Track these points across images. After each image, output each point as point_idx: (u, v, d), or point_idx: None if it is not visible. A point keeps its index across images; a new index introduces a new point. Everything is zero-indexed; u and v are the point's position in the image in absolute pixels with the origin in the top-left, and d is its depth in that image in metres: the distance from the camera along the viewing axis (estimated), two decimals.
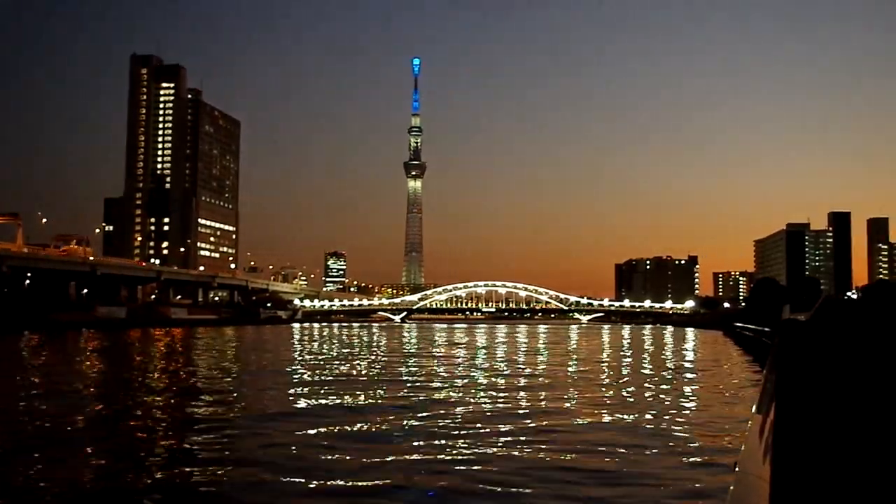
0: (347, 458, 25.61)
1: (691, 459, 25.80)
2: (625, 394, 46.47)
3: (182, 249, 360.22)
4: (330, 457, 25.83)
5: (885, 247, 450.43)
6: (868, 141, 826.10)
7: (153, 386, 52.42)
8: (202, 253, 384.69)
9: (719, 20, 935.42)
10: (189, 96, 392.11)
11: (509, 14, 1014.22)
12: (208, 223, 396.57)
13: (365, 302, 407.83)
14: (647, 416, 35.83)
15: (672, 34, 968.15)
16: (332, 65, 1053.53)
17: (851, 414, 6.94)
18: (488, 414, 35.42)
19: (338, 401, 41.54)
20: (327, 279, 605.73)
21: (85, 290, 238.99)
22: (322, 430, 31.24)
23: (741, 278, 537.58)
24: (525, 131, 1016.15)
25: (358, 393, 45.98)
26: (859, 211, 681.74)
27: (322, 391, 46.88)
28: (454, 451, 26.47)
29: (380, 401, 42.25)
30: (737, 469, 5.69)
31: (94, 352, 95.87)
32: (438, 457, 25.70)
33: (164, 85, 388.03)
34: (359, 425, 32.72)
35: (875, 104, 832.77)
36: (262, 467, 24.00)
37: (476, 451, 26.20)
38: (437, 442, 28.48)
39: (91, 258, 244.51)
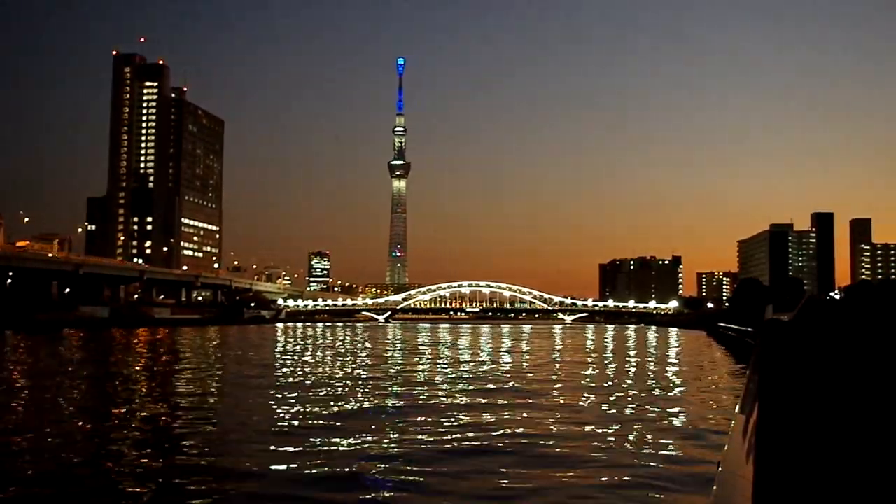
0: (325, 467, 25.53)
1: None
2: (608, 399, 46.22)
3: (165, 249, 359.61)
4: (308, 465, 25.78)
5: (868, 247, 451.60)
6: (851, 142, 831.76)
7: (133, 390, 52.11)
8: (185, 252, 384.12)
9: (701, 23, 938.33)
10: (173, 95, 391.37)
11: (494, 15, 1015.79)
12: (192, 222, 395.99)
13: (349, 302, 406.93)
14: (628, 425, 35.43)
15: (655, 36, 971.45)
16: (317, 64, 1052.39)
17: (835, 414, 6.97)
18: (470, 425, 34.53)
19: (321, 407, 40.84)
20: (311, 279, 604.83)
21: (67, 290, 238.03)
22: (302, 438, 30.77)
23: (724, 279, 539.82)
24: (510, 132, 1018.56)
25: (341, 398, 45.67)
26: (842, 212, 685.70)
27: (304, 396, 46.42)
28: (434, 463, 26.12)
29: (362, 406, 41.85)
30: (720, 469, 5.72)
31: (75, 352, 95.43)
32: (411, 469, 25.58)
33: (148, 84, 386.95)
34: (340, 432, 32.65)
35: (858, 105, 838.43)
36: (238, 478, 23.84)
37: (461, 469, 25.15)
38: (414, 455, 27.91)
39: (73, 257, 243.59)
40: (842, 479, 4.70)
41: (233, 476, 23.46)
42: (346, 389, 49.48)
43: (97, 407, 41.02)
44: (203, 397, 45.61)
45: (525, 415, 37.28)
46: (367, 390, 49.04)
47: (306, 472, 23.95)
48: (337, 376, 60.01)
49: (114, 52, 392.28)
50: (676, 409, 40.58)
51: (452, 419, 35.11)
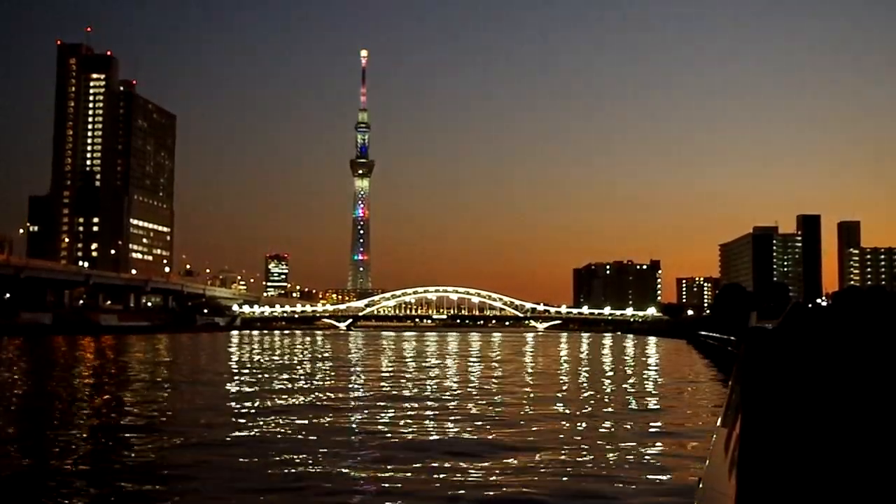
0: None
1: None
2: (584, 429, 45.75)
3: (113, 251, 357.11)
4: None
5: (857, 251, 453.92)
6: (839, 141, 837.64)
7: (69, 412, 50.46)
8: (134, 255, 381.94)
9: (685, 20, 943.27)
10: (121, 88, 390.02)
11: (462, 7, 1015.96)
12: (141, 223, 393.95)
13: (308, 308, 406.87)
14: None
15: (635, 32, 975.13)
16: (275, 56, 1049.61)
17: (820, 428, 6.97)
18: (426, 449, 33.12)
19: (276, 432, 38.87)
20: (268, 284, 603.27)
21: (7, 295, 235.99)
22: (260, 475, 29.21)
23: (706, 284, 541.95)
24: (479, 129, 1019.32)
25: (299, 423, 43.89)
26: (830, 214, 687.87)
27: (260, 420, 43.65)
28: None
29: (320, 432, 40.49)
30: (700, 485, 5.69)
31: (12, 363, 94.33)
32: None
33: (95, 76, 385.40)
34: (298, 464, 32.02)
35: (846, 104, 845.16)
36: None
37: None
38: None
39: (14, 260, 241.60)
40: (827, 496, 4.73)
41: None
42: (305, 413, 48.68)
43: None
44: (146, 429, 44.57)
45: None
46: (327, 413, 48.56)
47: None
48: (296, 396, 59.24)
49: (58, 42, 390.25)
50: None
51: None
